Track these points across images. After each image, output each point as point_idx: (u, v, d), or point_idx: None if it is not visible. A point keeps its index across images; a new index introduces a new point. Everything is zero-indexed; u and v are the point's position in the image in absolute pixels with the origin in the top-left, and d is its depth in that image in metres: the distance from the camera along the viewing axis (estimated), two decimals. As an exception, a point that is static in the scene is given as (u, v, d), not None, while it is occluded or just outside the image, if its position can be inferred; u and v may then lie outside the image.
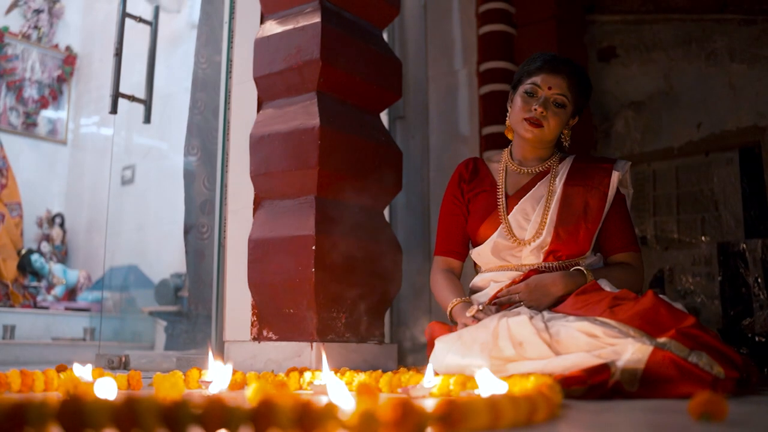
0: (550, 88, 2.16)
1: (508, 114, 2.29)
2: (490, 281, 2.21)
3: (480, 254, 2.26)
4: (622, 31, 3.87)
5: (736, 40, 3.53)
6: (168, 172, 5.42)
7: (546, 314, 1.92)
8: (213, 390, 1.59)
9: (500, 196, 2.25)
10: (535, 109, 2.15)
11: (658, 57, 3.75)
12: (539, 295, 2.04)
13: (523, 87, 2.21)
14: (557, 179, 2.21)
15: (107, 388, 1.16)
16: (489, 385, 1.33)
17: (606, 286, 1.98)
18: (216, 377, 1.62)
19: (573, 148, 2.36)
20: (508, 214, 2.21)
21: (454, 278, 2.31)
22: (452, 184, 2.38)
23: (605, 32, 3.93)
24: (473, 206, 2.30)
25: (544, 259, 2.15)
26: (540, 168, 2.27)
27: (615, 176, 2.17)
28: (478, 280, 2.27)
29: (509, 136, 2.36)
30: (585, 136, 3.74)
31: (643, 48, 3.80)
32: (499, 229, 2.20)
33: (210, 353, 1.74)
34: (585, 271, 2.07)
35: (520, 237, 2.17)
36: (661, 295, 1.78)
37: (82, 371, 1.74)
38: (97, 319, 5.87)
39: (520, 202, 2.20)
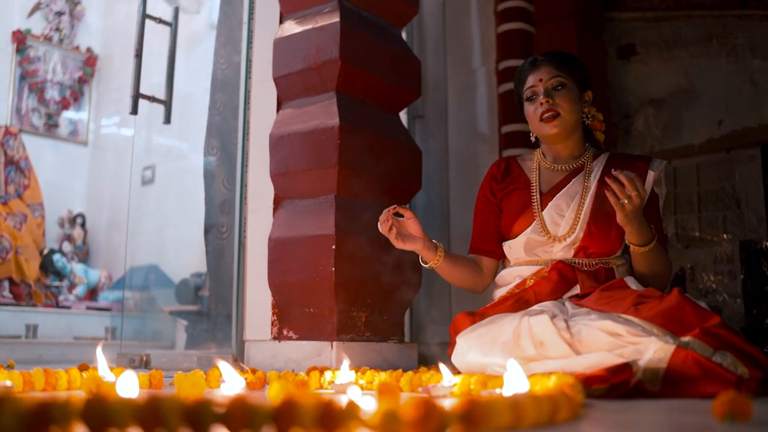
0: (541, 80, 2.22)
1: (531, 131, 2.32)
2: (516, 276, 2.22)
3: (512, 248, 2.26)
4: (642, 28, 3.85)
5: (758, 36, 3.50)
6: (188, 172, 5.45)
7: (570, 309, 1.92)
8: (227, 391, 1.59)
9: (534, 193, 2.25)
10: (542, 104, 2.19)
11: (679, 54, 3.72)
12: (638, 213, 1.95)
13: (524, 97, 2.27)
14: (592, 176, 2.21)
15: (129, 384, 1.17)
16: (515, 377, 1.33)
17: (632, 284, 1.97)
18: (229, 380, 1.62)
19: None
20: (542, 210, 2.21)
21: (467, 258, 2.35)
22: (484, 184, 2.40)
23: (625, 29, 3.90)
24: (506, 204, 2.30)
25: (575, 255, 2.15)
26: (574, 165, 2.27)
27: (650, 176, 2.15)
28: (505, 274, 2.28)
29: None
30: (605, 133, 3.72)
31: (663, 45, 3.78)
32: (532, 224, 2.20)
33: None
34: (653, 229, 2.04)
35: (553, 233, 2.17)
36: (686, 294, 1.76)
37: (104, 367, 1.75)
38: (118, 319, 5.91)
39: (554, 198, 2.20)
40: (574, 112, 2.21)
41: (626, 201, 1.91)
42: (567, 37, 3.67)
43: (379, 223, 2.17)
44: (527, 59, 2.32)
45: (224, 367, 1.57)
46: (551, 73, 2.21)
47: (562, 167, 2.28)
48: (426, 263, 2.27)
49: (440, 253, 2.24)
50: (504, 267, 2.34)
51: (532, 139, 2.33)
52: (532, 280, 2.16)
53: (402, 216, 2.21)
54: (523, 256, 2.23)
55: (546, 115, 2.19)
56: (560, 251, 2.17)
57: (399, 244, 2.18)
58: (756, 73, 3.48)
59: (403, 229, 2.20)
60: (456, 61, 3.99)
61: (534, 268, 2.19)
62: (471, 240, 2.40)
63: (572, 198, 2.19)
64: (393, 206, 2.16)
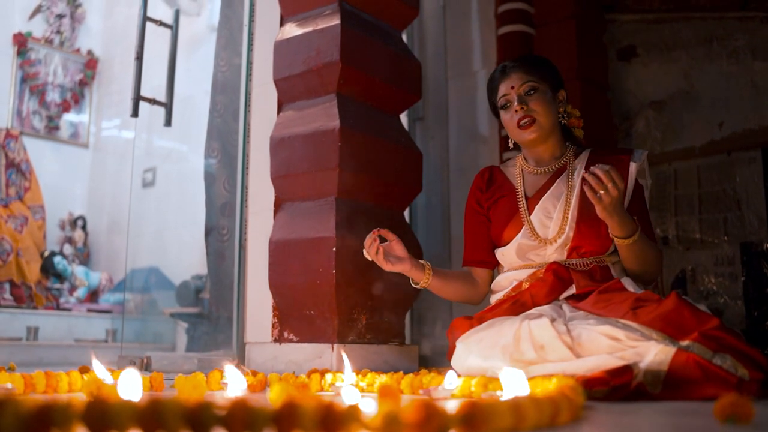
0: (513, 88, 2.23)
1: (509, 139, 2.33)
2: (513, 280, 2.22)
3: (504, 255, 2.27)
4: (642, 30, 3.84)
5: (758, 38, 3.49)
6: (188, 175, 5.45)
7: (568, 313, 1.92)
8: (230, 393, 1.59)
9: (520, 199, 2.26)
10: (516, 111, 2.21)
11: (679, 56, 3.72)
12: (618, 205, 1.95)
13: (499, 106, 2.29)
14: (575, 174, 2.22)
15: (132, 383, 1.16)
16: (512, 382, 1.32)
17: (629, 286, 1.97)
18: (232, 381, 1.62)
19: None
20: (529, 214, 2.21)
21: (458, 272, 2.37)
22: (470, 195, 2.42)
23: (625, 31, 3.90)
24: (494, 213, 2.31)
25: (568, 256, 2.15)
26: (556, 166, 2.28)
27: (633, 167, 2.17)
28: (501, 279, 2.29)
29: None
30: (605, 135, 3.72)
31: (663, 47, 3.77)
32: (522, 230, 2.21)
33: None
34: (636, 221, 2.03)
35: (543, 236, 2.18)
36: (684, 297, 1.76)
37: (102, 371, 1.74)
38: (119, 321, 5.91)
39: (540, 201, 2.21)
40: (549, 114, 2.22)
41: (603, 192, 1.91)
42: (567, 39, 3.67)
43: (364, 250, 2.20)
44: (497, 67, 2.34)
45: (229, 370, 1.57)
46: (522, 79, 2.23)
47: (545, 169, 2.29)
48: (416, 284, 2.28)
49: (428, 271, 2.26)
50: (499, 273, 2.35)
51: (510, 144, 2.34)
52: (527, 283, 2.16)
53: (385, 240, 2.23)
54: (517, 261, 2.24)
55: (523, 122, 2.21)
56: (553, 253, 2.17)
57: (388, 267, 2.20)
58: (757, 75, 3.48)
59: (389, 252, 2.22)
60: (456, 64, 3.99)
61: (529, 271, 2.20)
62: (464, 253, 2.41)
63: (558, 198, 2.20)
64: (376, 229, 2.20)
